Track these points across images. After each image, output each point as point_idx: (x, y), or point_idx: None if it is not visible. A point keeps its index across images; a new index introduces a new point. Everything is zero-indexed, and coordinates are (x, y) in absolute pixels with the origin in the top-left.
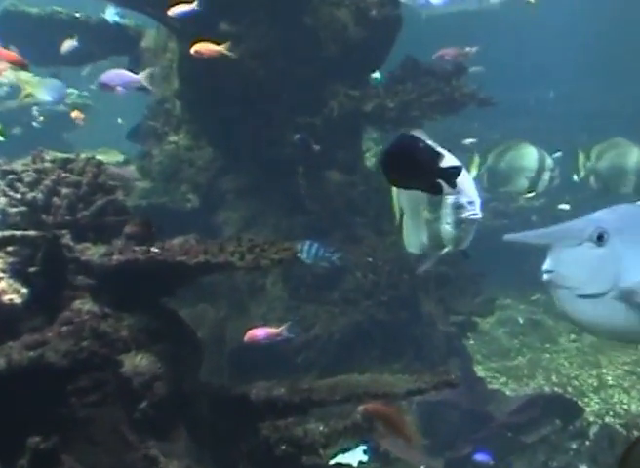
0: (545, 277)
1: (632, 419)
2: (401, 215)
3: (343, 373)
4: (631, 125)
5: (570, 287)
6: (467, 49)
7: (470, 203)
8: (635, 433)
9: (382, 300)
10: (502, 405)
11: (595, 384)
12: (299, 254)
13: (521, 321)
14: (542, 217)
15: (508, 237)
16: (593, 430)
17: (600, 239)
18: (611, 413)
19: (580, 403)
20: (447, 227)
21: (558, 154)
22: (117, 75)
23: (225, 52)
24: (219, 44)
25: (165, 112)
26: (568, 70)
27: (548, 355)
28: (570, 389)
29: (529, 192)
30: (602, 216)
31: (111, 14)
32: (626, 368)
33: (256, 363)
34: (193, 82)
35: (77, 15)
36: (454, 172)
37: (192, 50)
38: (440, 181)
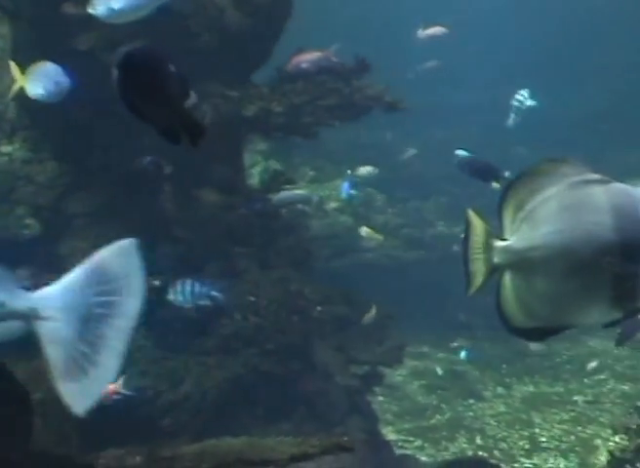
0: None
1: None
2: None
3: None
4: (572, 135)
5: None
6: (329, 50)
7: None
8: None
9: (268, 348)
10: None
11: (527, 447)
12: (171, 298)
13: (440, 372)
14: None
15: None
16: None
17: None
18: None
19: None
20: None
21: (507, 174)
22: None
23: None
24: None
25: None
26: (499, 73)
27: (472, 413)
28: (497, 453)
29: None
30: None
31: None
32: (563, 427)
33: (111, 429)
34: None
35: None
36: (199, 126)
37: None
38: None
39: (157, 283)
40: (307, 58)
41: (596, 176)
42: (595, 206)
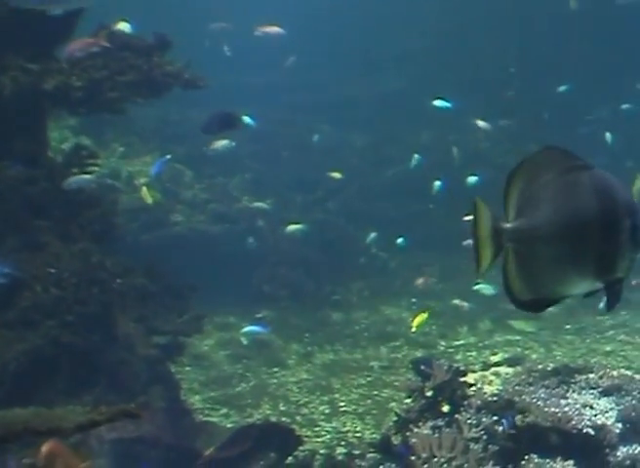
0: None
1: (364, 449)
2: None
3: None
4: (370, 116)
5: None
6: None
7: None
8: (358, 463)
9: (69, 320)
10: (214, 438)
11: (327, 411)
12: None
13: (245, 342)
14: (270, 222)
15: None
16: (318, 462)
17: None
18: (343, 443)
19: (309, 433)
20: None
21: (316, 137)
22: None
23: None
24: None
25: None
26: (307, 59)
27: (276, 380)
28: (299, 418)
29: None
30: None
31: None
32: (361, 391)
33: None
34: None
35: None
36: None
37: None
38: None
39: None
40: (78, 47)
41: (582, 163)
42: (582, 189)
